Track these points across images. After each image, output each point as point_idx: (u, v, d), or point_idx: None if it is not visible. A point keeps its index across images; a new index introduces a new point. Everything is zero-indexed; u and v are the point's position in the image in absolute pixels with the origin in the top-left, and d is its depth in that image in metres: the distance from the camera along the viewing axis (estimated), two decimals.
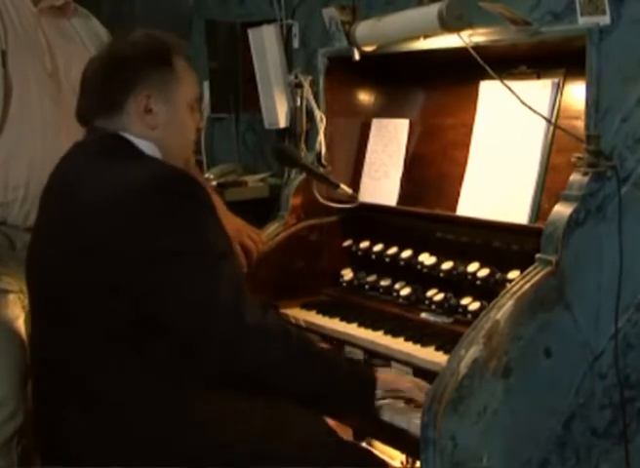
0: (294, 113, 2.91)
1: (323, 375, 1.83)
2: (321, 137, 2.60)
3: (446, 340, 2.06)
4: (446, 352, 2.01)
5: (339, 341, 2.26)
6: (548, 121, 2.08)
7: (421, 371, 2.03)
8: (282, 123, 3.00)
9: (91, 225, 1.76)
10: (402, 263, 2.36)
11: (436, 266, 2.26)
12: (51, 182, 1.96)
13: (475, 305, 2.14)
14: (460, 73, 2.26)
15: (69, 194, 1.84)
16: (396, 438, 1.96)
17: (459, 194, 2.27)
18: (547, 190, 2.09)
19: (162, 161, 1.88)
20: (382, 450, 2.51)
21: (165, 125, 1.89)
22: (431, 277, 2.28)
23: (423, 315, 2.24)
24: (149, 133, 1.88)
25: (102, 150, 1.87)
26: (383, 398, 1.88)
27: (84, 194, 1.79)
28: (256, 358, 1.74)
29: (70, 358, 1.81)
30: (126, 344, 1.75)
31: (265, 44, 3.01)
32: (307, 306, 2.44)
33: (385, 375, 1.94)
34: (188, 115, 1.95)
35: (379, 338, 2.16)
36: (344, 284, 2.53)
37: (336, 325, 2.30)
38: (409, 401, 1.93)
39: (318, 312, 2.40)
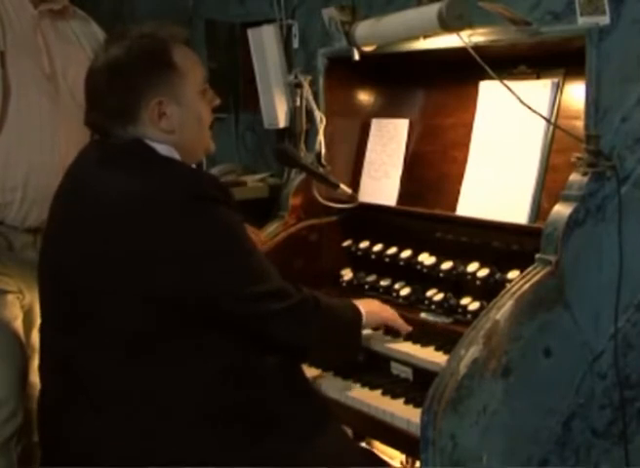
0: (293, 113, 2.90)
1: (337, 329, 2.02)
2: (321, 137, 2.60)
3: (446, 340, 2.06)
4: (446, 352, 2.01)
5: None
6: (548, 121, 2.08)
7: (421, 371, 2.03)
8: (282, 123, 3.00)
9: (118, 230, 1.76)
10: (402, 263, 2.36)
11: (436, 266, 2.26)
12: (67, 183, 1.94)
13: (475, 305, 2.14)
14: (460, 73, 2.26)
15: (90, 197, 1.83)
16: (396, 438, 1.96)
17: (458, 194, 2.27)
18: (547, 190, 2.09)
19: (186, 165, 1.88)
20: (382, 450, 2.51)
21: (181, 125, 1.88)
22: (431, 277, 2.28)
23: (423, 315, 2.24)
24: (167, 137, 1.86)
25: (123, 155, 1.85)
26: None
27: (108, 197, 1.79)
28: (299, 330, 1.90)
29: (92, 358, 1.80)
30: (161, 340, 1.76)
31: (265, 44, 3.01)
32: None
33: (369, 306, 2.12)
34: (201, 103, 1.93)
35: (378, 338, 2.17)
36: (344, 284, 2.53)
37: None
38: (388, 330, 2.18)
39: None
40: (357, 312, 2.07)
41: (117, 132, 1.87)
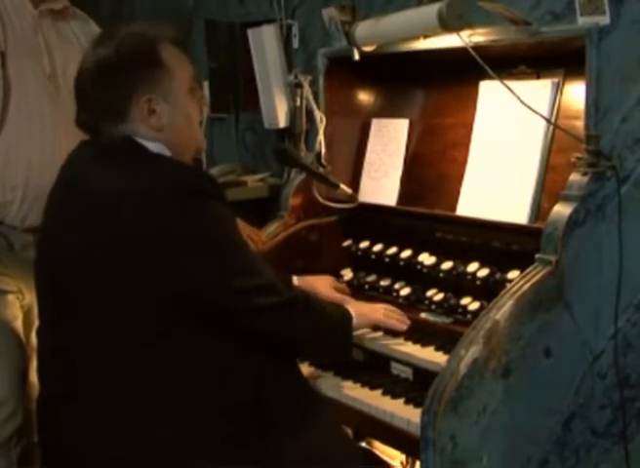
0: (293, 113, 2.91)
1: (327, 328, 2.02)
2: (321, 137, 2.60)
3: (446, 340, 2.06)
4: (446, 352, 2.01)
5: None
6: (548, 121, 2.08)
7: (421, 371, 2.03)
8: (282, 123, 3.00)
9: (114, 226, 1.77)
10: (402, 263, 2.36)
11: (436, 266, 2.26)
12: (61, 180, 1.95)
13: (475, 305, 2.14)
14: (460, 73, 2.26)
15: (85, 195, 1.84)
16: (396, 438, 1.96)
17: (458, 194, 2.27)
18: (547, 190, 2.09)
19: (176, 160, 1.89)
20: (382, 450, 2.51)
21: (170, 123, 1.89)
22: (431, 277, 2.28)
23: (423, 315, 2.24)
24: (157, 134, 1.88)
25: (114, 152, 1.86)
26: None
27: (103, 194, 1.79)
28: (286, 327, 1.89)
29: (90, 358, 1.80)
30: (155, 334, 1.77)
31: (265, 44, 3.01)
32: None
33: (359, 309, 2.13)
34: (190, 102, 1.94)
35: (378, 338, 2.17)
36: (344, 284, 2.53)
37: None
38: (387, 330, 2.17)
39: None
40: (347, 314, 2.08)
41: (108, 130, 1.88)
